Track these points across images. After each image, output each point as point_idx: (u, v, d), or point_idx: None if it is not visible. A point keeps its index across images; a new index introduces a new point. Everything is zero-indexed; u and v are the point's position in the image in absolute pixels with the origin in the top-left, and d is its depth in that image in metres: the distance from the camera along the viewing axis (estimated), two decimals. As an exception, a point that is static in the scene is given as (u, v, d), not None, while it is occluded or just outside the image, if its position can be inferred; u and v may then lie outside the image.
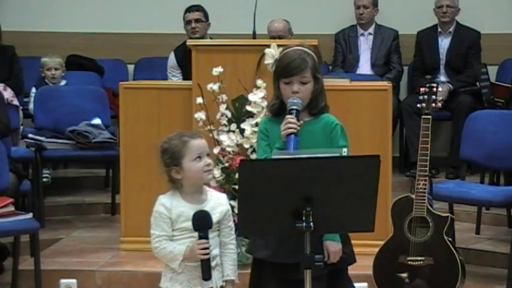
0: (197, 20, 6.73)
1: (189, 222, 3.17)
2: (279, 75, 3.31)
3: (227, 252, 3.27)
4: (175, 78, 6.65)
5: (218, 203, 3.26)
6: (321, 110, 3.34)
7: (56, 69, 6.64)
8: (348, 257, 3.34)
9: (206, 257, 3.15)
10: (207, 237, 3.16)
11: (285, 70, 3.28)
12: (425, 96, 4.46)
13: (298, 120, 3.22)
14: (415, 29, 7.19)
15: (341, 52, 7.29)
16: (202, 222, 3.17)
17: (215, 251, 3.23)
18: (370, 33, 7.27)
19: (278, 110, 3.35)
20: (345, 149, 3.17)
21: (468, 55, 6.99)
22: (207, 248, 3.15)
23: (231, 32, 6.45)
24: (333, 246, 3.26)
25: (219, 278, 3.24)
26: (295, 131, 3.19)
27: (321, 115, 3.34)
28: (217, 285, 3.22)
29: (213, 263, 3.21)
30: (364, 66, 7.19)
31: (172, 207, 3.22)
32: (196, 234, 3.17)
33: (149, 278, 4.62)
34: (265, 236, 3.26)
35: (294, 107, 3.24)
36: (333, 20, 7.41)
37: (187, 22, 6.78)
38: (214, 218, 3.22)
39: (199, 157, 3.21)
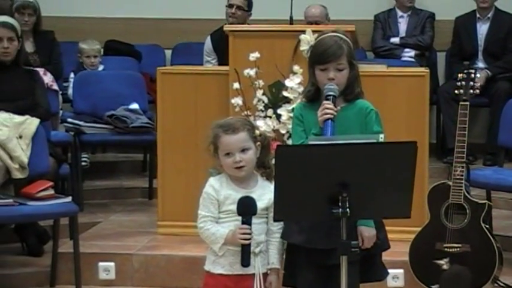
0: (238, 7, 6.69)
1: (235, 205, 3.18)
2: (314, 62, 3.29)
3: (273, 241, 3.27)
4: (209, 64, 6.65)
5: (268, 190, 3.22)
6: (356, 96, 3.33)
7: (94, 56, 6.71)
8: (382, 243, 3.33)
9: (246, 242, 3.16)
10: (249, 223, 3.17)
11: (321, 57, 3.25)
12: (463, 83, 4.42)
13: (335, 106, 3.21)
14: (453, 15, 7.13)
15: (380, 28, 7.31)
16: (246, 208, 3.18)
17: (260, 237, 3.23)
18: (408, 15, 7.30)
19: (313, 96, 3.34)
20: (381, 135, 3.16)
21: (507, 41, 6.91)
22: (249, 234, 3.16)
23: (268, 17, 6.45)
24: (367, 232, 3.25)
25: (263, 265, 3.24)
26: (332, 116, 3.17)
27: (355, 100, 3.33)
28: (260, 272, 3.22)
29: (257, 250, 3.21)
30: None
31: (220, 189, 3.24)
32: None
33: (186, 262, 4.66)
34: (299, 222, 3.26)
35: (331, 93, 3.22)
36: (369, 5, 7.38)
37: (229, 5, 6.75)
38: (262, 204, 3.22)
39: (229, 153, 3.22)
